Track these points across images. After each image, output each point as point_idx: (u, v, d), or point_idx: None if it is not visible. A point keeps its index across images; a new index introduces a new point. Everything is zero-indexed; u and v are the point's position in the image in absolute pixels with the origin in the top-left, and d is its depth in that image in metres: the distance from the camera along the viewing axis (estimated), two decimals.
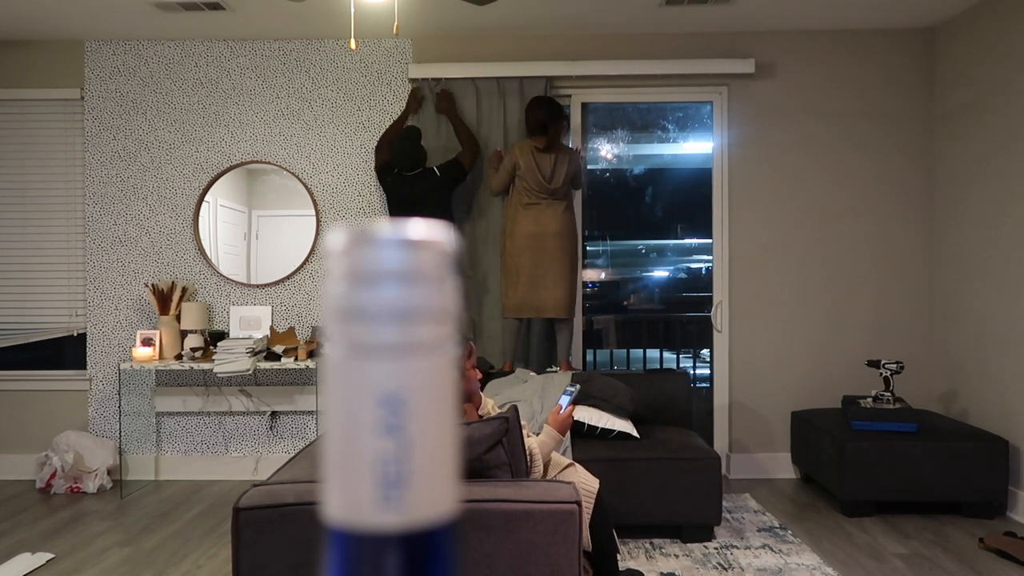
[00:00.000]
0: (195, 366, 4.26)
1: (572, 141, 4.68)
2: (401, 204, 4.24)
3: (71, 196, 4.73)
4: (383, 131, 4.61)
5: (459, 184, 4.30)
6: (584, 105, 4.71)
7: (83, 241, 4.73)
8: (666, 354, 5.56)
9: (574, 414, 2.61)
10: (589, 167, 4.84)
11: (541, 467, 2.37)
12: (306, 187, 4.65)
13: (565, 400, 2.61)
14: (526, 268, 4.16)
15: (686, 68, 4.47)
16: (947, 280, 4.45)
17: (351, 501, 0.25)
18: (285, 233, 4.68)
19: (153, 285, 4.51)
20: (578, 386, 2.65)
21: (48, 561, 3.34)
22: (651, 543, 3.50)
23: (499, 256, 4.42)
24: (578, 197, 4.70)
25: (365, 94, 4.65)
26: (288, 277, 4.67)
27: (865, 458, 3.76)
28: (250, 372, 4.22)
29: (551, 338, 4.52)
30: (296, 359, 4.30)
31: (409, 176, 4.23)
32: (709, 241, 4.74)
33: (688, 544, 3.49)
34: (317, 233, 4.68)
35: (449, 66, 4.49)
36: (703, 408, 4.88)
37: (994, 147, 4.00)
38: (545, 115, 4.12)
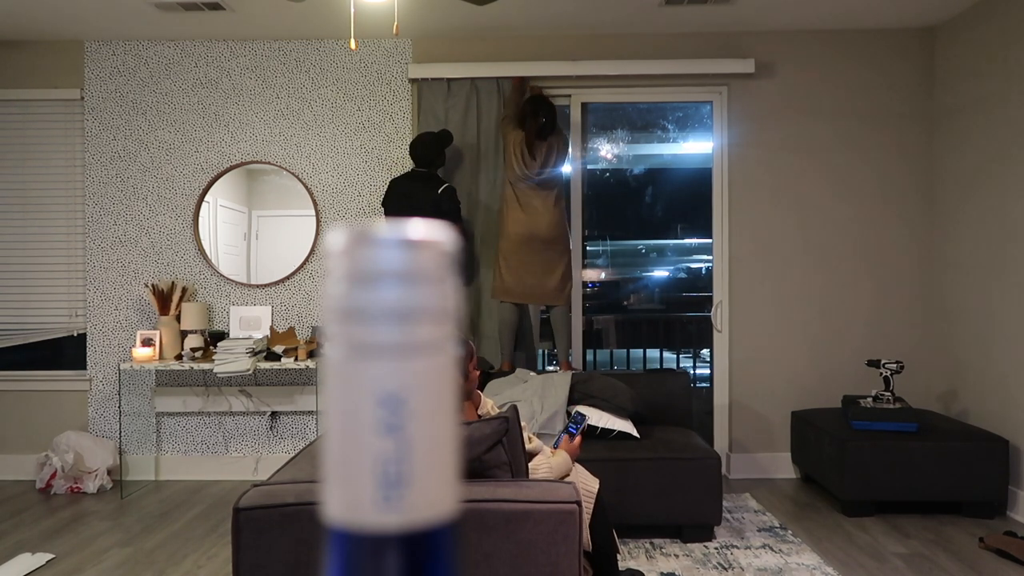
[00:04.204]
0: (195, 366, 4.26)
1: (572, 141, 4.68)
2: (396, 198, 4.23)
3: (71, 196, 4.73)
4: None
5: (444, 209, 4.21)
6: (584, 105, 4.71)
7: (83, 241, 4.73)
8: (666, 354, 5.56)
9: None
10: (589, 167, 4.84)
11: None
12: (306, 187, 4.65)
13: (574, 429, 2.65)
14: (518, 264, 4.17)
15: (686, 68, 4.47)
16: (947, 280, 4.45)
17: (351, 501, 0.25)
18: (285, 233, 4.68)
19: (153, 285, 4.51)
20: (588, 417, 2.71)
21: (48, 561, 3.34)
22: (651, 543, 3.50)
23: (497, 240, 4.41)
24: (577, 197, 4.70)
25: (365, 94, 4.65)
26: (288, 277, 4.67)
27: (865, 458, 3.76)
28: (250, 372, 4.22)
29: (549, 334, 4.53)
30: (296, 359, 4.30)
31: (416, 173, 4.23)
32: (709, 241, 4.74)
33: (688, 544, 3.49)
34: (317, 233, 4.68)
35: (448, 66, 4.50)
36: (703, 408, 4.88)
37: (994, 147, 4.00)
38: (532, 108, 4.11)
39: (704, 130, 4.85)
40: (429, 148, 4.20)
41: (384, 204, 4.28)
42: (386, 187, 4.52)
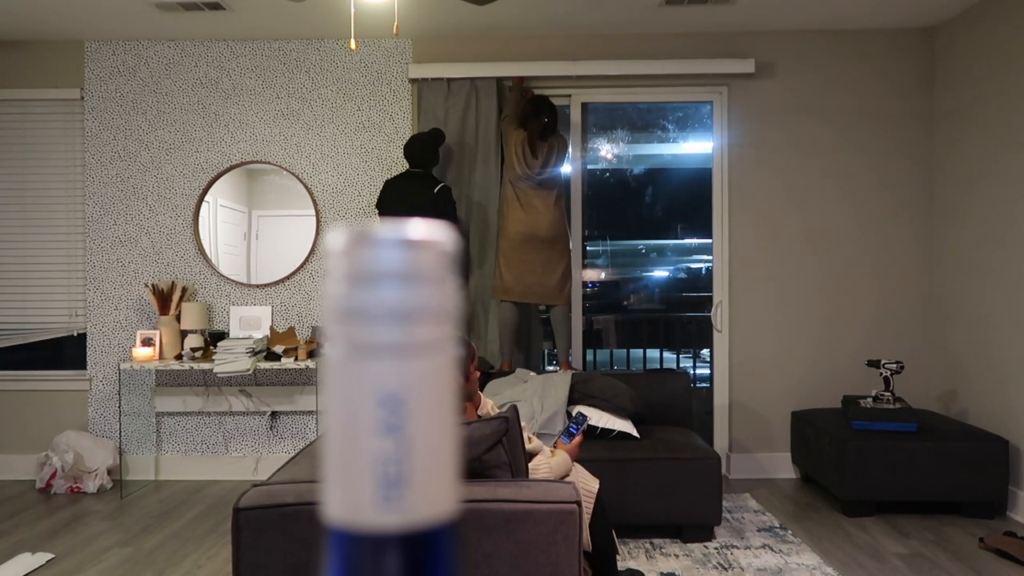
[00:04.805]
0: (195, 366, 4.26)
1: (572, 141, 4.68)
2: (392, 198, 4.23)
3: (71, 196, 4.73)
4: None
5: (440, 209, 4.20)
6: (584, 105, 4.71)
7: (83, 241, 4.73)
8: (666, 354, 5.56)
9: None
10: (589, 167, 4.84)
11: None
12: (306, 187, 4.65)
13: (574, 429, 2.65)
14: (518, 263, 4.18)
15: (686, 68, 4.47)
16: (947, 280, 4.45)
17: (351, 501, 0.25)
18: (285, 233, 4.68)
19: (153, 285, 4.51)
20: (589, 418, 2.71)
21: (48, 561, 3.34)
22: (651, 543, 3.50)
23: (496, 240, 4.42)
24: (578, 197, 4.71)
25: (365, 94, 4.65)
26: (288, 277, 4.67)
27: (865, 458, 3.76)
28: (250, 372, 4.22)
29: (549, 334, 4.53)
30: (296, 359, 4.30)
31: (411, 173, 4.23)
32: (709, 241, 4.74)
33: (688, 544, 3.49)
34: (317, 233, 4.68)
35: (449, 66, 4.49)
36: (703, 408, 4.88)
37: (994, 147, 4.00)
38: (534, 108, 4.13)
39: (704, 130, 4.85)
40: (425, 148, 4.20)
41: (378, 205, 4.28)
42: (380, 188, 4.51)
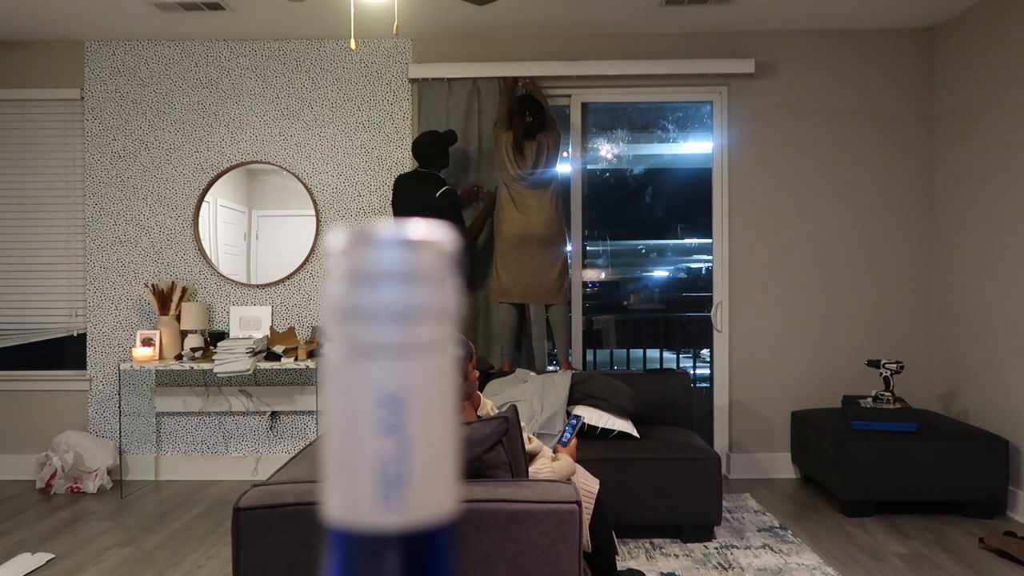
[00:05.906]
0: (195, 366, 4.26)
1: (572, 141, 4.68)
2: (401, 198, 4.23)
3: (71, 196, 4.73)
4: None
5: (443, 212, 4.22)
6: (584, 105, 4.71)
7: (83, 241, 4.73)
8: (666, 354, 5.56)
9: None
10: (589, 167, 4.84)
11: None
12: (306, 187, 4.65)
13: (569, 432, 2.65)
14: (514, 264, 4.17)
15: (686, 68, 4.47)
16: (947, 280, 4.45)
17: (351, 501, 0.25)
18: (285, 233, 4.68)
19: (153, 285, 4.51)
20: (582, 417, 2.72)
21: (48, 561, 3.34)
22: (651, 543, 3.50)
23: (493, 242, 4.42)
24: (577, 197, 4.70)
25: (365, 94, 4.65)
26: (288, 277, 4.67)
27: (865, 458, 3.76)
28: (250, 372, 4.22)
29: (548, 333, 4.52)
30: (296, 359, 4.30)
31: (418, 172, 4.23)
32: (709, 241, 4.74)
33: (688, 544, 3.49)
34: (317, 233, 4.68)
35: (449, 66, 4.49)
36: (703, 408, 4.88)
37: (994, 147, 4.00)
38: (518, 107, 4.13)
39: (704, 130, 4.85)
40: (430, 147, 4.20)
41: (392, 204, 4.28)
42: (392, 185, 4.48)
